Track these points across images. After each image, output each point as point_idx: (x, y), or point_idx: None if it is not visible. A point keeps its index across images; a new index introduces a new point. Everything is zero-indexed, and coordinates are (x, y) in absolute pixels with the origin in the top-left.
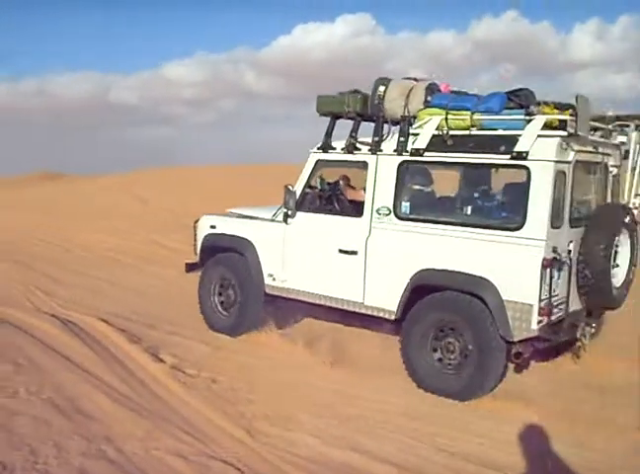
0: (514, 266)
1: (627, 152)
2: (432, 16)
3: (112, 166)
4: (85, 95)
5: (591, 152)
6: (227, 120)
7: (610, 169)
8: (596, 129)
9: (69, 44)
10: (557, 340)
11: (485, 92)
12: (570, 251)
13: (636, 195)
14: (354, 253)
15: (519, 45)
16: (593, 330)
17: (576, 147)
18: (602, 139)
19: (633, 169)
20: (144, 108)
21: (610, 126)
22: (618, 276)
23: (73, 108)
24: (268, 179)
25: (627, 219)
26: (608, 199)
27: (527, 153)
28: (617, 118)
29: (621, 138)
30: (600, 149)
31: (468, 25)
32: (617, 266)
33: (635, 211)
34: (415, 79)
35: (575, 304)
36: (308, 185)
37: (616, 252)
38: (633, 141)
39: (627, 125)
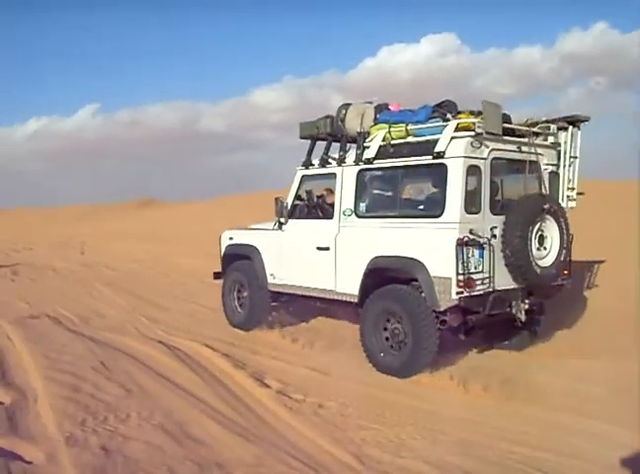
0: (437, 247)
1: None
2: (517, 32)
3: (202, 192)
4: (176, 124)
5: (514, 151)
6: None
7: (545, 166)
8: (518, 133)
9: (160, 75)
10: (485, 312)
11: (573, 106)
12: (495, 235)
13: (569, 188)
14: (327, 249)
15: (609, 58)
16: (526, 306)
17: (491, 145)
18: (535, 140)
19: (564, 166)
20: (233, 134)
21: (537, 128)
22: (547, 258)
23: (165, 136)
24: None
25: (546, 207)
26: (544, 192)
27: (444, 152)
28: (546, 121)
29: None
30: (527, 148)
31: (555, 39)
32: (545, 248)
33: (572, 203)
34: (370, 103)
35: (506, 283)
36: (298, 196)
37: (543, 236)
38: (562, 142)
39: (563, 128)
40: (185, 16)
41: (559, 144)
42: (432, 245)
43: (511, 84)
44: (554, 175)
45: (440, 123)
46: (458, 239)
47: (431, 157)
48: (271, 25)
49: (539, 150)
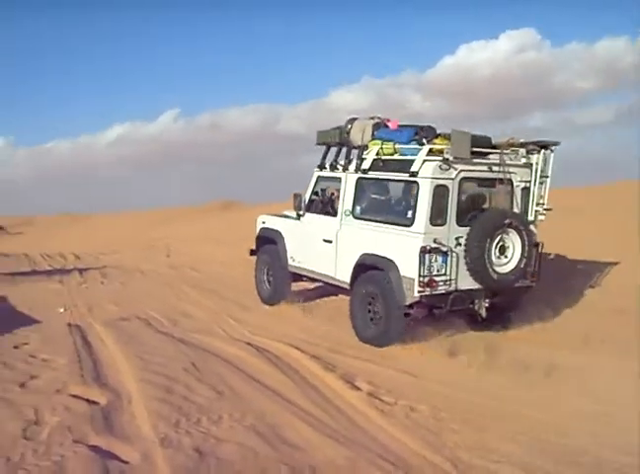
0: (406, 251)
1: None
2: (600, 24)
3: (281, 194)
4: (255, 126)
5: (484, 170)
6: None
7: (517, 183)
8: (488, 153)
9: (240, 78)
10: (446, 308)
11: None
12: (460, 243)
13: (538, 204)
14: (330, 242)
15: None
16: (486, 304)
17: (459, 167)
18: (509, 160)
19: (534, 184)
20: (312, 136)
21: (509, 150)
22: (507, 265)
23: (245, 139)
24: None
25: (507, 222)
26: (516, 208)
27: (417, 172)
28: (522, 144)
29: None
30: (497, 168)
31: None
32: (506, 257)
33: (541, 216)
34: (377, 117)
35: (469, 284)
36: (314, 192)
37: (504, 247)
38: (534, 162)
39: (535, 150)
40: (264, 18)
41: (531, 164)
42: (402, 249)
43: (592, 78)
44: (527, 191)
45: (417, 146)
46: (422, 247)
47: (408, 175)
48: (348, 26)
49: (512, 169)
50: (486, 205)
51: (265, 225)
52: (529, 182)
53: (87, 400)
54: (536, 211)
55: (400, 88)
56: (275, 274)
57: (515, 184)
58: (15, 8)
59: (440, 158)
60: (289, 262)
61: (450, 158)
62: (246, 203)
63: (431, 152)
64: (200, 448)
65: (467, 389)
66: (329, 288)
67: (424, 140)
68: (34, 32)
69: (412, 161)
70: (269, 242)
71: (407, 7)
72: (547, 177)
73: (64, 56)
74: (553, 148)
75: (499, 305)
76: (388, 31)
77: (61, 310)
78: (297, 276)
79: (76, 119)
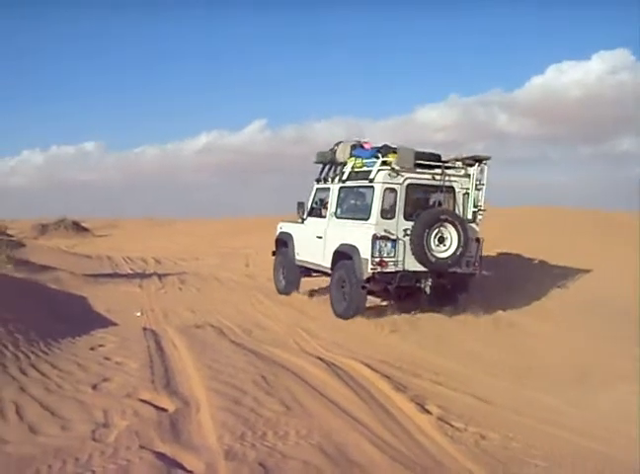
0: (364, 238)
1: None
2: None
3: None
4: (339, 139)
5: (428, 179)
6: None
7: (459, 190)
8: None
9: (325, 91)
10: (395, 284)
11: None
12: (407, 234)
13: (475, 206)
14: (320, 237)
15: None
16: (430, 283)
17: (406, 175)
18: (451, 170)
19: (472, 191)
20: None
21: (452, 163)
22: (446, 252)
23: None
24: (520, 222)
25: (442, 217)
26: (457, 209)
27: (373, 179)
28: (463, 158)
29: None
30: (440, 177)
31: None
32: (445, 245)
33: (479, 216)
34: (356, 140)
35: (415, 266)
36: (314, 201)
37: (443, 237)
38: (471, 173)
39: (471, 164)
40: (354, 37)
41: (469, 175)
42: (362, 237)
43: None
44: (467, 196)
45: (374, 160)
46: (374, 234)
47: (368, 181)
48: (436, 43)
49: (454, 178)
50: (425, 204)
51: (282, 230)
52: (469, 189)
53: (156, 406)
54: (474, 212)
55: (486, 106)
56: (287, 269)
57: (456, 190)
58: (116, 19)
59: (389, 168)
60: (296, 256)
61: (397, 167)
62: None
63: (385, 164)
64: (265, 463)
65: (545, 421)
66: (408, 307)
67: (379, 154)
68: (130, 42)
69: (371, 171)
70: (283, 244)
71: (497, 27)
72: (483, 185)
73: (158, 65)
74: (486, 162)
75: (445, 288)
76: (477, 49)
77: (138, 314)
78: (307, 272)
79: (166, 126)
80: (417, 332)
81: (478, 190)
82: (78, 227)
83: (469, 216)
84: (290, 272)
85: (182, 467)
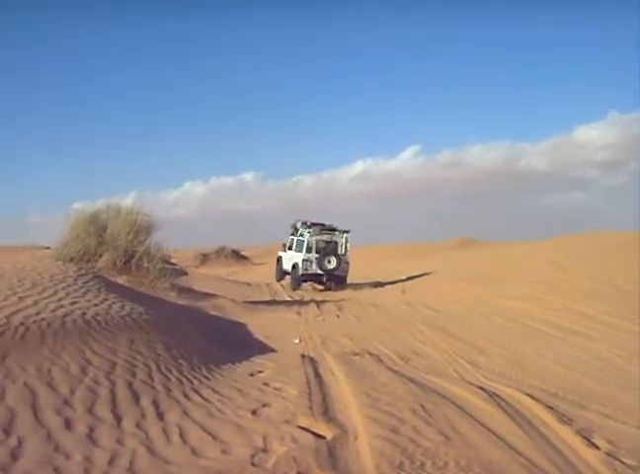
0: (300, 260)
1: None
2: None
3: (521, 232)
4: (496, 164)
5: (328, 236)
6: (637, 183)
7: (340, 242)
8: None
9: (481, 116)
10: (312, 278)
11: None
12: (317, 259)
13: (345, 249)
14: (290, 258)
15: None
16: (325, 279)
17: (318, 234)
18: (335, 232)
19: (344, 242)
20: (554, 173)
21: (338, 231)
22: (331, 266)
23: (485, 177)
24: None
25: (329, 252)
26: (339, 249)
27: (304, 236)
28: (329, 227)
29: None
30: (329, 236)
31: None
32: (330, 263)
33: (348, 253)
34: (305, 220)
35: (319, 271)
36: (290, 243)
37: (330, 261)
38: (343, 236)
39: (345, 231)
40: (512, 59)
41: (343, 235)
42: (299, 259)
43: None
44: (343, 244)
45: (305, 230)
46: (303, 259)
47: (303, 237)
48: (597, 62)
49: (338, 236)
50: (326, 248)
51: (279, 254)
52: (343, 241)
53: (314, 433)
54: (345, 251)
55: None
56: (280, 271)
57: (339, 242)
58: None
59: (309, 231)
60: (283, 266)
61: (313, 233)
62: (485, 241)
63: (309, 230)
64: None
65: None
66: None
67: (306, 226)
68: (280, 81)
69: (304, 234)
70: (279, 260)
71: None
72: (348, 240)
73: (324, 95)
74: (349, 231)
75: (333, 281)
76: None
77: (296, 341)
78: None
79: (323, 155)
80: None
81: (346, 242)
82: (237, 256)
83: (343, 252)
84: (281, 272)
85: None
